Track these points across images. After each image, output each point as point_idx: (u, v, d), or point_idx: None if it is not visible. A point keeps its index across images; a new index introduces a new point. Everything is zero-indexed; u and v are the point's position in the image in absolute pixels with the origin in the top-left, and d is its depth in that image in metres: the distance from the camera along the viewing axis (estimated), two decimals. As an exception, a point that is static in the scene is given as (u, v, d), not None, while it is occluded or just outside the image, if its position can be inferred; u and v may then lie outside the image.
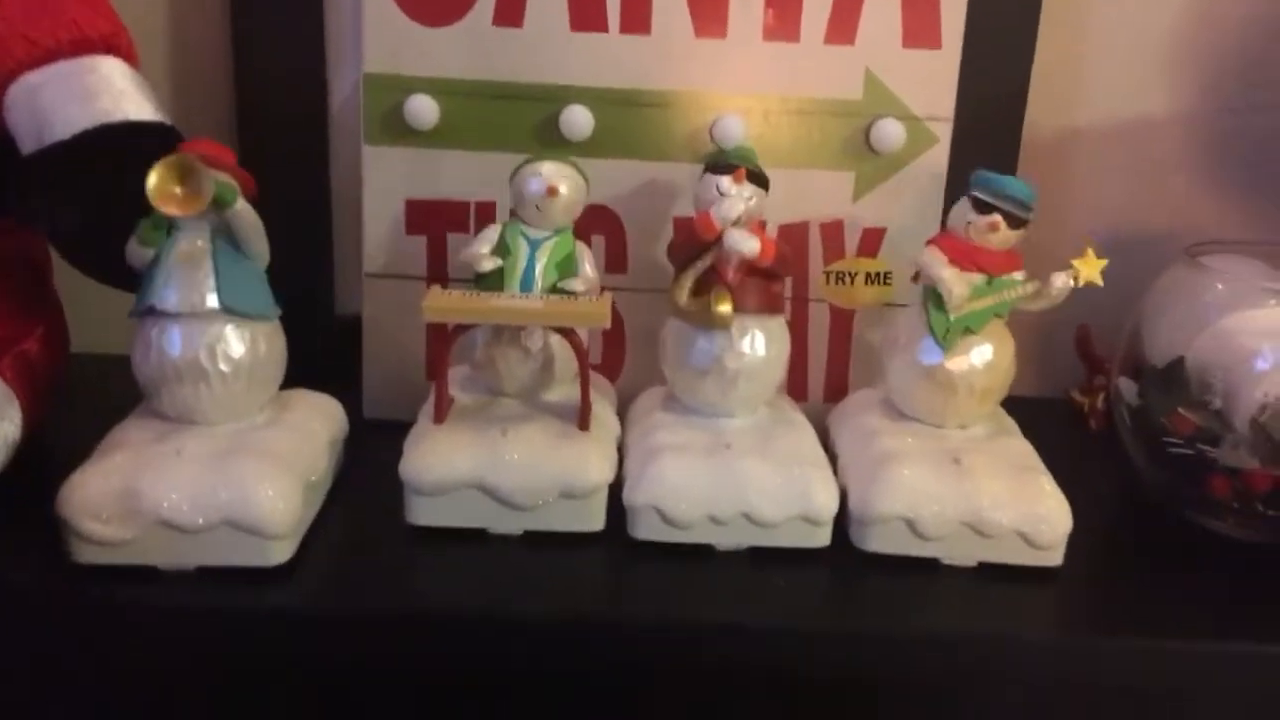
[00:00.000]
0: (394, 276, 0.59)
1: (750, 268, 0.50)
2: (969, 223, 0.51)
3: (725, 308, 0.49)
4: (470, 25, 0.56)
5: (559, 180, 0.51)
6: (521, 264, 0.51)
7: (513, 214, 0.53)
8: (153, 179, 0.43)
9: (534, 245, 0.51)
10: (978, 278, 0.51)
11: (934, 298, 0.51)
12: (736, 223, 0.49)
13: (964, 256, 0.51)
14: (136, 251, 0.47)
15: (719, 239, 0.49)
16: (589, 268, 0.52)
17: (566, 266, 0.51)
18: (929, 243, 0.52)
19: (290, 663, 0.46)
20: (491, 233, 0.52)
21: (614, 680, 0.47)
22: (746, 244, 0.49)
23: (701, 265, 0.50)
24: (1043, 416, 0.56)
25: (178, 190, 0.43)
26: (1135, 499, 0.56)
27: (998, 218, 0.50)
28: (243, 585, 0.45)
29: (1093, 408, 0.65)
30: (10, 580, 0.45)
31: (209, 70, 0.63)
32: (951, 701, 0.47)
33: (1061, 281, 0.50)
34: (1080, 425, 0.65)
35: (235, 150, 0.61)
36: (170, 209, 0.44)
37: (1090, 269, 0.50)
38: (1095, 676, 0.46)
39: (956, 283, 0.50)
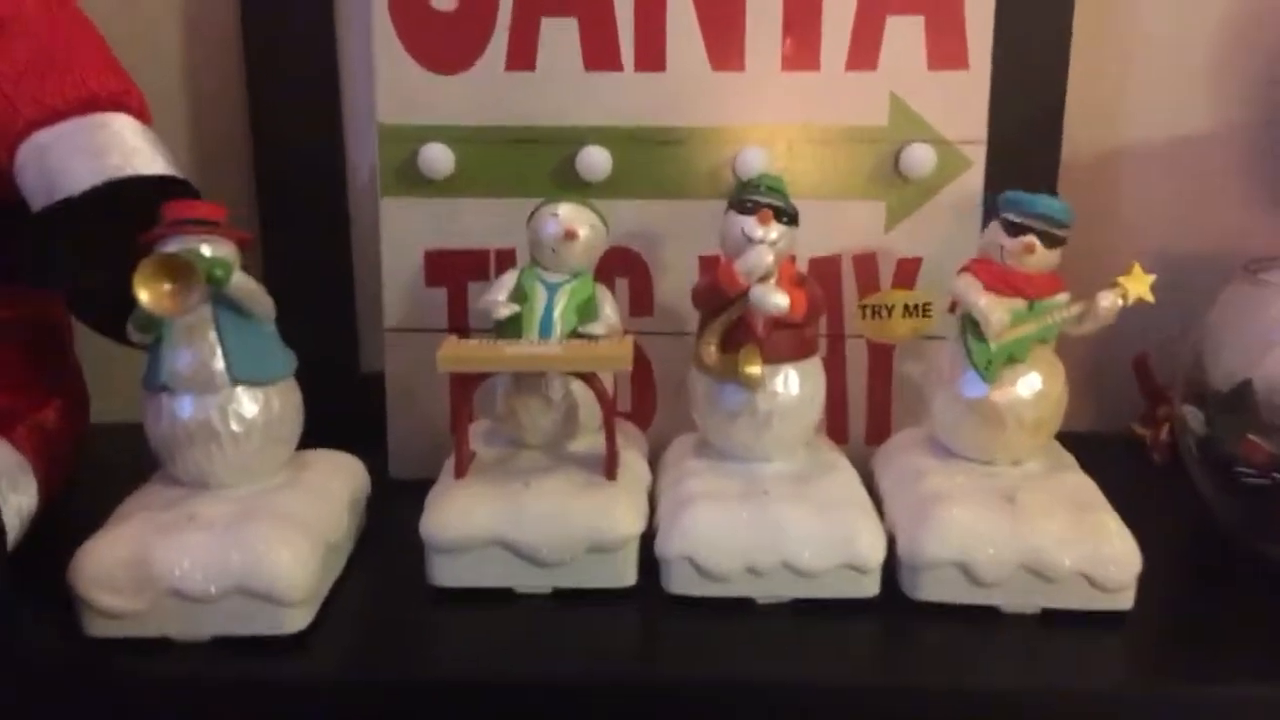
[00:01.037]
0: (415, 330, 0.58)
1: (780, 321, 0.47)
2: (1002, 246, 0.48)
3: (755, 369, 0.47)
4: (483, 71, 0.55)
5: (576, 223, 0.49)
6: (539, 309, 0.49)
7: (532, 260, 0.51)
8: (142, 289, 0.42)
9: (552, 290, 0.49)
10: (1017, 303, 0.48)
11: (972, 327, 0.48)
12: (765, 275, 0.47)
13: (1001, 282, 0.48)
14: (135, 335, 0.46)
15: (745, 293, 0.47)
16: (610, 310, 0.50)
17: (587, 310, 0.50)
18: (962, 270, 0.49)
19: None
20: (509, 279, 0.50)
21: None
22: (774, 301, 0.46)
23: (727, 319, 0.48)
24: (1102, 452, 0.53)
25: (168, 287, 0.42)
26: (1207, 534, 0.53)
27: (1032, 239, 0.47)
28: (259, 655, 0.43)
29: (1155, 440, 0.61)
30: (25, 654, 0.44)
31: (226, 130, 0.64)
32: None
33: (1109, 300, 0.47)
34: (1143, 459, 0.62)
35: (254, 210, 0.62)
36: (167, 311, 0.43)
37: (1138, 285, 0.47)
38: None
39: (995, 309, 0.47)
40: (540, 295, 0.49)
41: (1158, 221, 0.64)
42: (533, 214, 0.51)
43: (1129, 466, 0.61)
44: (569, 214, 0.49)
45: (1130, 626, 0.45)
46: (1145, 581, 0.45)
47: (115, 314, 0.45)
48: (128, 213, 0.46)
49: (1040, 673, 0.43)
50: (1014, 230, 0.48)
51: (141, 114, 0.51)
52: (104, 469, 0.54)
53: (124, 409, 0.59)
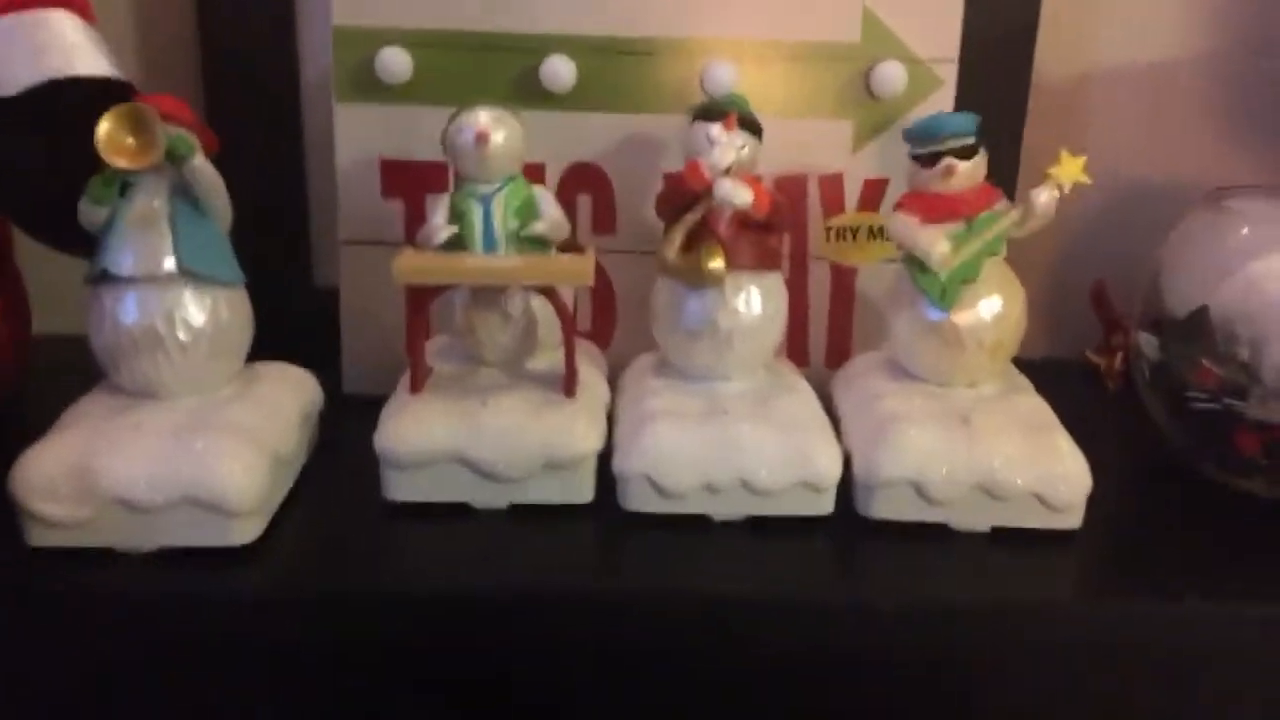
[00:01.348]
0: (371, 243, 0.56)
1: (744, 221, 0.47)
2: (924, 178, 0.48)
3: (717, 264, 0.46)
4: (443, -29, 0.53)
5: (491, 126, 0.47)
6: (478, 223, 0.47)
7: (455, 179, 0.49)
8: (103, 129, 0.40)
9: (486, 201, 0.48)
10: (955, 226, 0.48)
11: (917, 262, 0.48)
12: (728, 172, 0.46)
13: (934, 210, 0.48)
14: (88, 211, 0.44)
15: (709, 190, 0.46)
16: (551, 207, 0.48)
17: (526, 213, 0.48)
18: (896, 208, 0.49)
19: (258, 648, 0.43)
20: (442, 202, 0.48)
21: (606, 659, 0.44)
22: (739, 194, 0.46)
23: (692, 219, 0.47)
24: (1057, 378, 0.53)
25: (130, 141, 0.41)
26: (1157, 459, 0.54)
27: (949, 161, 0.47)
28: (206, 567, 0.42)
29: (1110, 367, 0.62)
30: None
31: (172, 28, 0.61)
32: (965, 674, 0.45)
33: (1045, 195, 0.46)
34: (1098, 386, 0.62)
35: (202, 115, 0.60)
36: (121, 161, 0.41)
37: (1069, 170, 0.46)
38: (1117, 642, 0.44)
39: (934, 242, 0.47)
40: (475, 209, 0.47)
41: (1124, 147, 0.64)
42: (447, 126, 0.48)
43: (1083, 392, 0.61)
44: (480, 118, 0.47)
45: (1078, 545, 0.46)
46: (1094, 502, 0.46)
47: (54, 219, 0.43)
48: (66, 115, 0.44)
49: (990, 588, 0.44)
50: (929, 160, 0.47)
51: (84, 10, 0.48)
52: (46, 380, 0.52)
53: (65, 321, 0.57)
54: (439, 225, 0.47)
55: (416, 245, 0.48)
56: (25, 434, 0.44)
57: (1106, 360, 0.62)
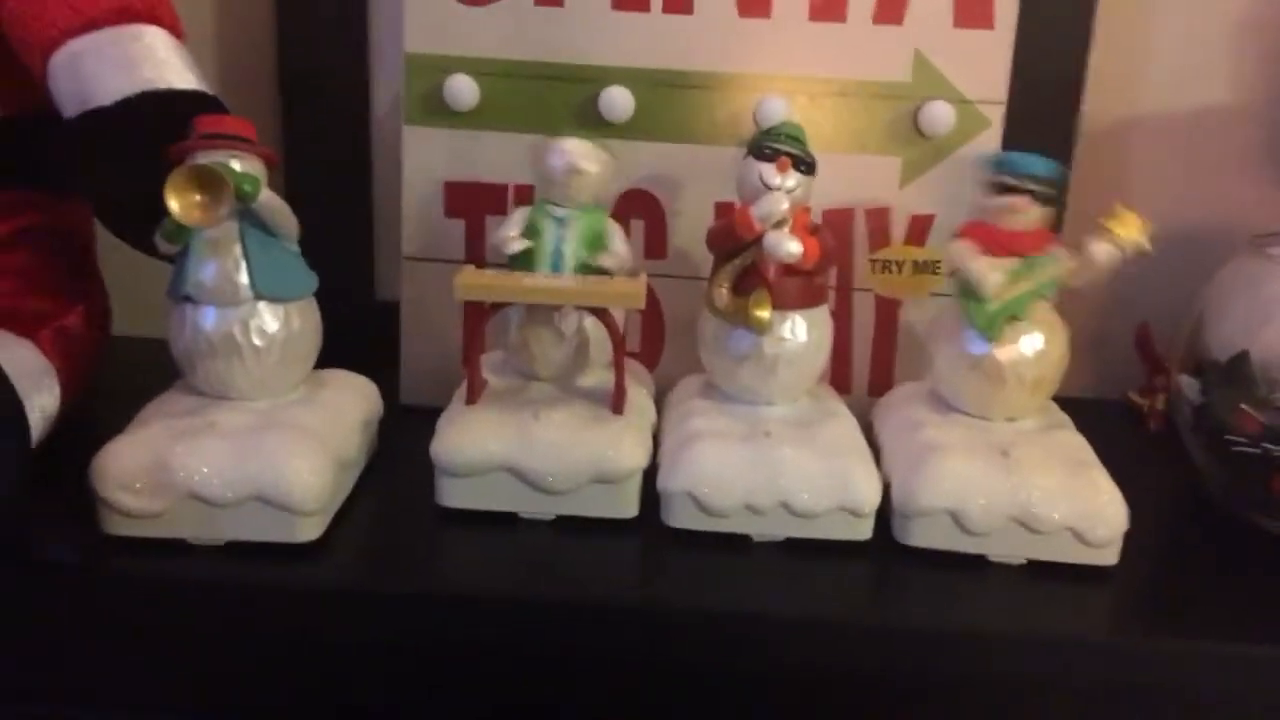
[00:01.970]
0: (433, 260, 0.59)
1: (792, 268, 0.48)
2: (992, 208, 0.49)
3: (764, 313, 0.48)
4: (512, 4, 0.56)
5: (580, 157, 0.50)
6: (550, 244, 0.50)
7: (542, 195, 0.52)
8: (173, 199, 0.42)
9: (560, 224, 0.50)
10: (1012, 262, 0.49)
11: (969, 291, 0.49)
12: (780, 222, 0.48)
13: (993, 242, 0.49)
14: (162, 243, 0.47)
15: (759, 238, 0.48)
16: (619, 243, 0.51)
17: (596, 245, 0.50)
18: (957, 235, 0.50)
19: (316, 640, 0.45)
20: (520, 215, 0.51)
21: (644, 669, 0.46)
22: (787, 248, 0.47)
23: (740, 264, 0.49)
24: (1099, 418, 0.54)
25: (198, 198, 0.43)
26: (1196, 500, 0.54)
27: (1017, 198, 0.48)
28: (272, 561, 0.44)
29: (1152, 409, 0.63)
30: (43, 551, 0.45)
31: (253, 50, 0.64)
32: (996, 703, 0.46)
33: (1100, 247, 0.47)
34: (1139, 427, 0.63)
35: (278, 134, 0.63)
36: (196, 222, 0.43)
37: (1125, 226, 0.47)
38: (1148, 680, 0.44)
39: (988, 272, 0.48)
40: (550, 230, 0.50)
41: (1168, 193, 0.64)
42: (540, 149, 0.51)
43: (1125, 432, 0.62)
44: (574, 148, 0.50)
45: (1113, 582, 0.46)
46: (1131, 540, 0.46)
47: (143, 224, 0.46)
48: (158, 125, 0.46)
49: (1023, 619, 0.44)
50: (1003, 191, 0.49)
51: (174, 28, 0.51)
52: (124, 380, 0.55)
53: (145, 323, 0.60)
54: (513, 237, 0.50)
55: (486, 253, 0.50)
56: (101, 429, 0.47)
57: (1149, 401, 0.63)
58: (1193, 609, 0.46)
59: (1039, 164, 0.48)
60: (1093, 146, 0.61)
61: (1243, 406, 0.50)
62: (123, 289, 0.59)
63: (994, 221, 0.49)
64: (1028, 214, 0.48)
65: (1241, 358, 0.50)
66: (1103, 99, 0.61)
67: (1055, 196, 0.49)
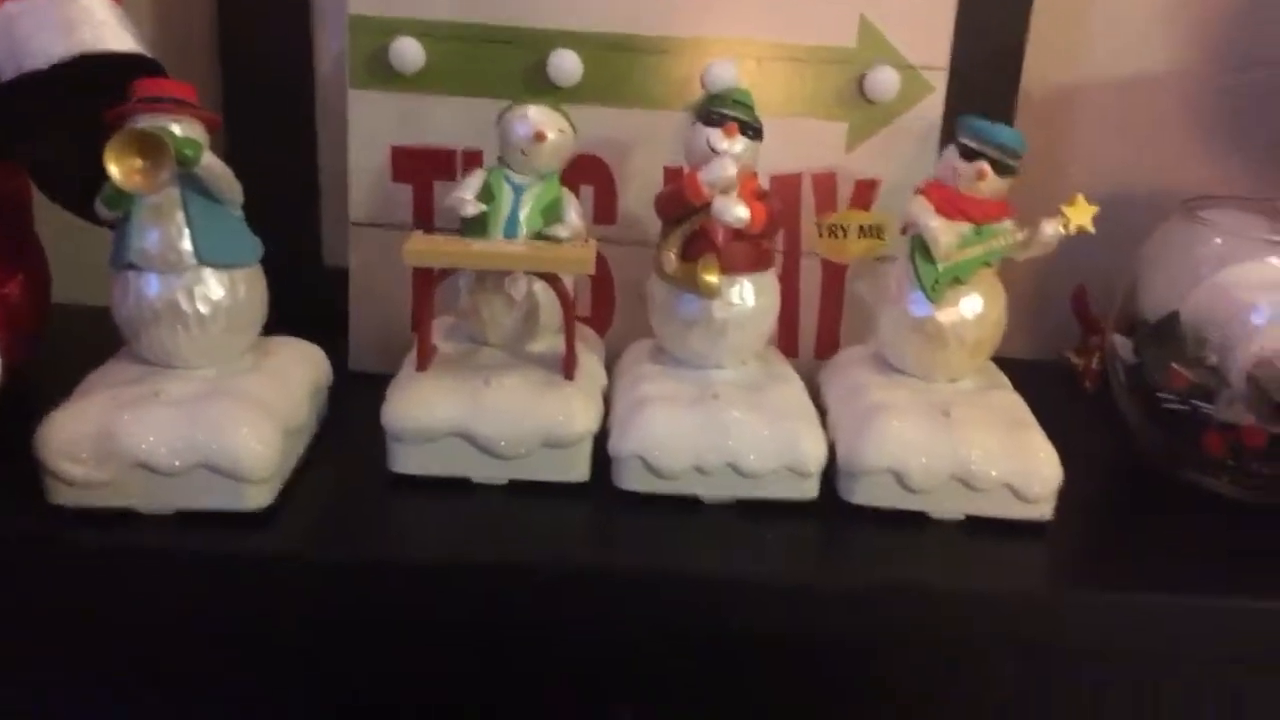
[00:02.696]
0: (380, 225, 0.58)
1: (740, 232, 0.49)
2: (956, 170, 0.50)
3: (713, 278, 0.48)
4: (458, -34, 0.55)
5: (545, 125, 0.50)
6: (505, 209, 0.50)
7: (499, 160, 0.52)
8: (112, 164, 0.42)
9: (519, 191, 0.50)
10: (966, 227, 0.50)
11: (921, 249, 0.50)
12: (727, 187, 0.48)
13: (952, 206, 0.50)
14: (103, 210, 0.46)
15: (708, 204, 0.48)
16: (575, 215, 0.51)
17: (552, 213, 0.50)
18: (916, 192, 0.51)
19: (269, 608, 0.45)
20: (476, 178, 0.51)
21: (596, 630, 0.47)
22: (736, 213, 0.47)
23: (689, 228, 0.49)
24: (1036, 378, 0.55)
25: (139, 163, 0.42)
26: (1129, 457, 0.56)
27: (985, 164, 0.49)
28: (222, 530, 0.44)
29: (1087, 368, 0.64)
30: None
31: (190, 11, 0.62)
32: (938, 656, 0.47)
33: (1051, 229, 0.49)
34: (1075, 386, 0.64)
35: (220, 95, 0.61)
36: (137, 187, 0.43)
37: (1080, 214, 0.49)
38: (1084, 632, 0.46)
39: (944, 232, 0.49)
40: (507, 196, 0.50)
41: (1106, 157, 0.66)
42: (502, 114, 0.51)
43: (1061, 392, 0.63)
44: (539, 116, 0.50)
45: (1049, 536, 0.48)
46: (1065, 496, 0.48)
47: (81, 189, 0.45)
48: (96, 88, 0.45)
49: (963, 573, 0.46)
50: (969, 155, 0.49)
51: (112, -11, 0.50)
52: (63, 349, 0.54)
53: (82, 290, 0.59)
54: (468, 200, 0.50)
55: (434, 218, 0.49)
56: (43, 398, 0.46)
57: (1084, 361, 0.65)
58: (1124, 563, 0.48)
59: (1004, 133, 0.49)
60: (1032, 112, 0.62)
61: (1173, 365, 0.52)
62: (59, 256, 0.58)
63: (954, 184, 0.50)
64: (988, 182, 0.49)
65: (1172, 318, 0.52)
66: (1042, 65, 0.62)
67: (1014, 169, 0.49)
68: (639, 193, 0.58)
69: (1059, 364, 0.66)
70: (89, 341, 0.50)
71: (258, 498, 0.45)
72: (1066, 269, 0.66)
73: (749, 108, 0.50)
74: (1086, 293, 0.65)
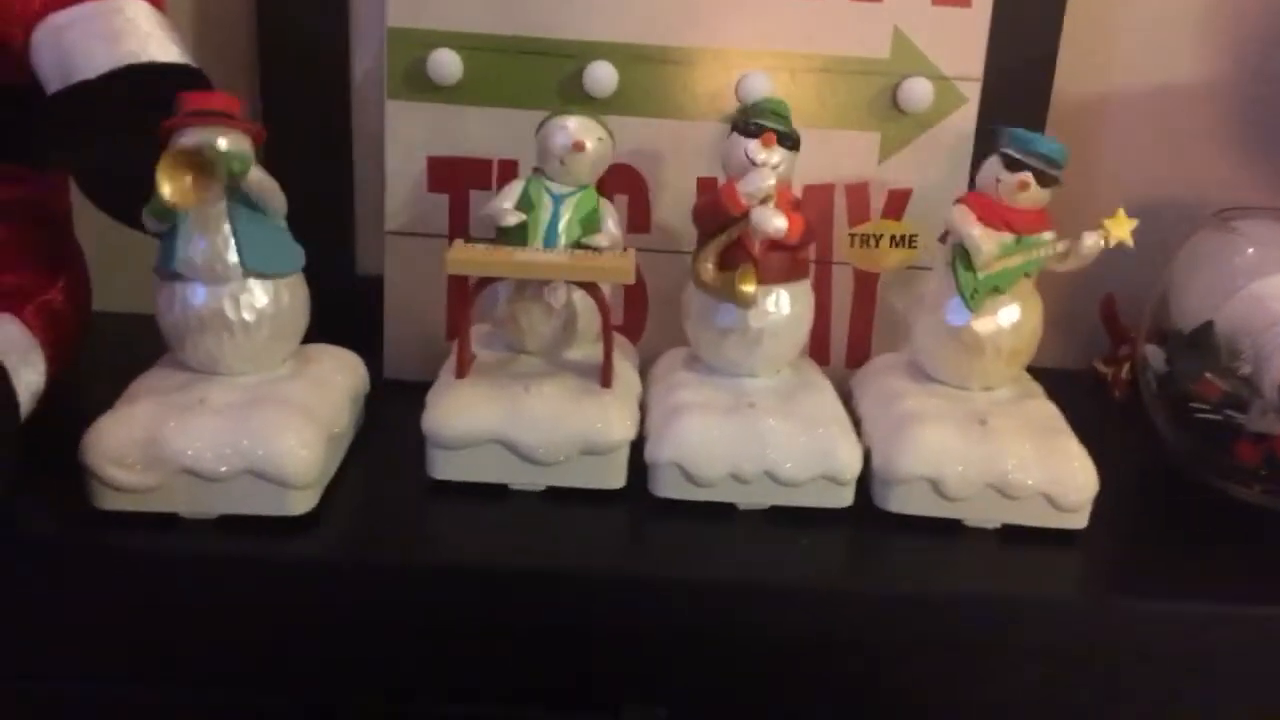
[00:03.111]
0: (416, 234, 0.59)
1: (776, 242, 0.49)
2: (998, 180, 0.50)
3: (749, 288, 0.48)
4: (495, -21, 0.56)
5: (586, 135, 0.50)
6: (545, 219, 0.50)
7: (536, 170, 0.52)
8: (165, 182, 0.42)
9: (558, 200, 0.50)
10: (1007, 237, 0.50)
11: (962, 257, 0.50)
12: (765, 198, 0.48)
13: (993, 215, 0.50)
14: (150, 221, 0.46)
15: (746, 214, 0.48)
16: (613, 224, 0.51)
17: (590, 223, 0.51)
18: (958, 201, 0.51)
19: (310, 612, 0.45)
20: (515, 187, 0.51)
21: (633, 637, 0.47)
22: (774, 224, 0.48)
23: (726, 239, 0.49)
24: (1066, 386, 0.55)
25: (190, 180, 0.42)
26: (1161, 466, 0.56)
27: (1028, 175, 0.49)
28: (265, 534, 0.45)
29: (1116, 378, 0.64)
30: (33, 526, 0.45)
31: (232, 19, 0.63)
32: (972, 663, 0.47)
33: (1092, 241, 0.49)
34: (1104, 395, 0.64)
35: (258, 105, 0.62)
36: (188, 204, 0.43)
37: (1120, 228, 0.49)
38: (1118, 639, 0.46)
39: (985, 240, 0.49)
40: (546, 205, 0.50)
41: (1136, 168, 0.66)
42: (542, 124, 0.51)
43: (1091, 400, 0.63)
44: (579, 126, 0.50)
45: (1083, 544, 0.48)
46: (1099, 504, 0.48)
47: (130, 199, 0.45)
48: (142, 98, 0.46)
49: (998, 581, 0.46)
50: (1012, 166, 0.49)
51: (156, 0, 0.50)
52: (104, 355, 0.54)
53: (121, 299, 0.59)
54: (508, 210, 0.50)
55: (470, 227, 0.49)
56: (85, 405, 0.46)
57: (1114, 370, 0.65)
58: (1158, 571, 0.47)
59: (1048, 144, 0.49)
60: (1063, 121, 0.62)
61: (1207, 375, 0.52)
62: (102, 264, 0.58)
63: (996, 194, 0.50)
64: (1030, 192, 0.49)
65: (1205, 328, 0.52)
66: (1073, 75, 0.62)
67: (1057, 180, 0.49)
68: (673, 202, 0.58)
69: (1087, 373, 0.66)
70: (129, 348, 0.51)
71: (301, 503, 0.45)
72: (1094, 278, 0.66)
73: (786, 118, 0.50)
74: (1115, 302, 0.65)
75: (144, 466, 0.44)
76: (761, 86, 0.55)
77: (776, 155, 0.49)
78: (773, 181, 0.48)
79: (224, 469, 0.44)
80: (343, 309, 0.56)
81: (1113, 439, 0.55)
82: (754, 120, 0.49)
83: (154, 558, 0.44)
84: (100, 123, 0.46)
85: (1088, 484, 0.48)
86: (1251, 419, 0.50)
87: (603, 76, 0.56)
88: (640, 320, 0.60)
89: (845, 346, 0.60)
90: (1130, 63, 0.64)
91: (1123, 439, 0.58)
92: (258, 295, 0.47)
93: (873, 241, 0.58)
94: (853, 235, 0.58)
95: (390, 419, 0.53)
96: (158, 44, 0.48)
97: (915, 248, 0.58)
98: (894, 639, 0.46)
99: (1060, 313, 0.67)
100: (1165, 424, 0.55)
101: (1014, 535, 0.48)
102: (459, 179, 0.58)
